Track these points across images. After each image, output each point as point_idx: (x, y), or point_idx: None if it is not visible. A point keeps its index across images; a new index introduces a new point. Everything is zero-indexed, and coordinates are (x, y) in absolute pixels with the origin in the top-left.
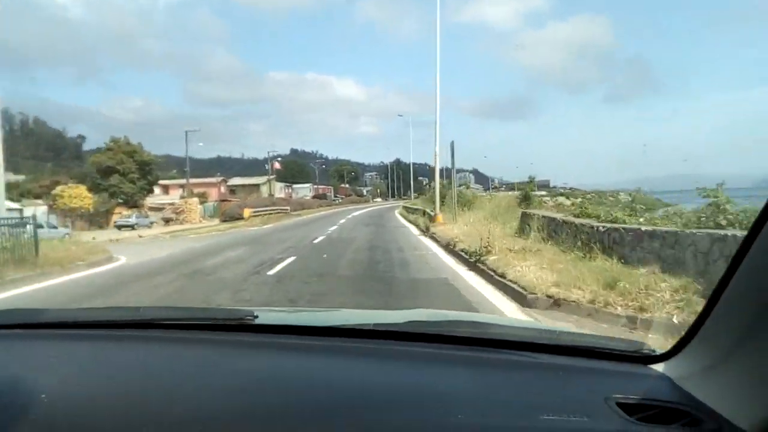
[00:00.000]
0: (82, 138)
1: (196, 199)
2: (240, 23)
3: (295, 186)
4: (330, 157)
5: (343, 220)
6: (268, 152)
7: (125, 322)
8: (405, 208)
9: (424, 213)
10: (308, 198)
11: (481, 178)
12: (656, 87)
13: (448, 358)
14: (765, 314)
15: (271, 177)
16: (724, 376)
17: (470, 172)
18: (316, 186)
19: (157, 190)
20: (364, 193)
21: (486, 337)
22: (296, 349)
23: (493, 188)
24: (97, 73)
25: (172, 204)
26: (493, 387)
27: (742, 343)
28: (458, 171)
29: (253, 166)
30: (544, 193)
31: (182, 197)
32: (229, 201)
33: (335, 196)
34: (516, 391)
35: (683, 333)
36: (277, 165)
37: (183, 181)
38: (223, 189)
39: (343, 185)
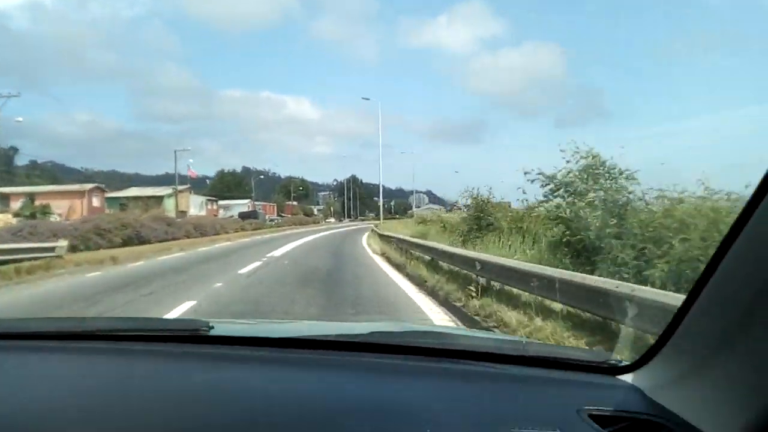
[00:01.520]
0: (15, 150)
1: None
2: (193, 39)
3: (230, 202)
4: (282, 176)
5: (219, 284)
6: (188, 163)
7: (71, 333)
8: (381, 237)
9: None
10: (230, 217)
11: (436, 199)
12: (605, 114)
13: (414, 369)
14: (737, 323)
15: (183, 188)
16: (697, 386)
17: (425, 193)
18: (254, 202)
19: None
20: (315, 212)
21: (452, 348)
22: (254, 361)
23: (455, 208)
24: (42, 85)
25: None
26: (462, 399)
27: (714, 352)
28: (412, 192)
29: (201, 183)
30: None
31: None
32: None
33: (279, 215)
34: (485, 404)
35: (652, 342)
36: (192, 173)
37: (31, 188)
38: (97, 201)
39: (289, 203)
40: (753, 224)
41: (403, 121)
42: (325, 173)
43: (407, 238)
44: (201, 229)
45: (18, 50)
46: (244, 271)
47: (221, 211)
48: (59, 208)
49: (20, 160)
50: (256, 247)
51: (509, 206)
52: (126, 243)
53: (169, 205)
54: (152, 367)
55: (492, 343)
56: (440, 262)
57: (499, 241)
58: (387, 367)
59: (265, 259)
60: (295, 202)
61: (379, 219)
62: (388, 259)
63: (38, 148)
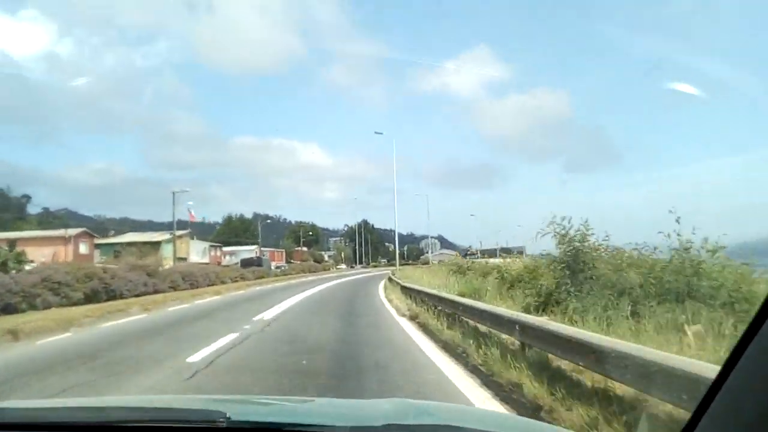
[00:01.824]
0: (27, 198)
1: None
2: (205, 87)
3: (236, 248)
4: (293, 221)
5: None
6: (188, 206)
7: (87, 425)
8: (403, 290)
9: None
10: (235, 264)
11: (447, 244)
12: (614, 157)
13: None
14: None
15: (183, 233)
16: None
17: (436, 238)
18: (261, 249)
19: None
20: (326, 258)
21: None
22: None
23: (470, 254)
24: (56, 134)
25: None
26: None
27: (759, 427)
28: (424, 237)
29: (210, 229)
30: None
31: None
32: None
33: (288, 261)
34: None
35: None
36: (193, 216)
37: (14, 234)
38: (85, 247)
39: (298, 248)
40: None
41: (413, 166)
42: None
43: (456, 298)
44: (191, 279)
45: (34, 100)
46: (198, 356)
47: (226, 258)
48: (44, 256)
49: (34, 209)
50: (246, 305)
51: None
52: (90, 298)
53: (167, 251)
54: None
55: None
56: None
57: (615, 306)
58: None
59: (247, 327)
60: (304, 248)
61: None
62: (426, 330)
63: (52, 196)
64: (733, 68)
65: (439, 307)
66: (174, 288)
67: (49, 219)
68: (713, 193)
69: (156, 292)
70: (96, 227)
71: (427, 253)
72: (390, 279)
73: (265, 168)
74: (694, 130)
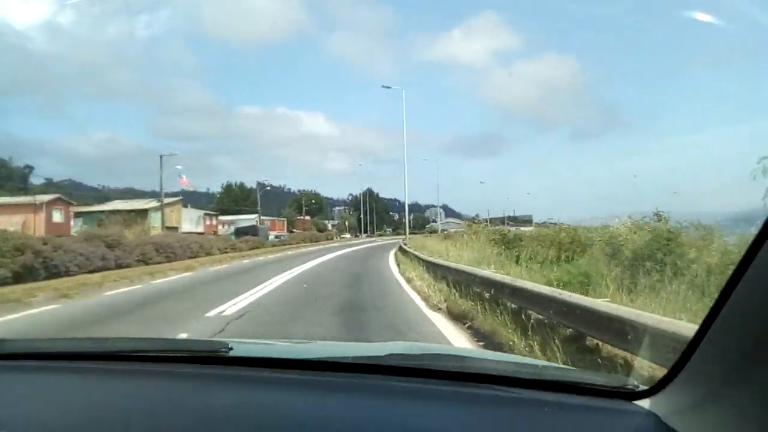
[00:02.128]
0: (30, 168)
1: None
2: (211, 57)
3: (235, 217)
4: (296, 191)
5: None
6: (178, 171)
7: (92, 354)
8: (426, 266)
9: None
10: (224, 234)
11: (452, 213)
12: (623, 125)
13: (432, 393)
14: (750, 352)
15: (173, 200)
16: (712, 414)
17: (440, 207)
18: (261, 217)
19: None
20: (329, 227)
21: (469, 372)
22: (273, 383)
23: (476, 222)
24: (61, 104)
25: None
26: (480, 423)
27: (731, 379)
28: (429, 207)
29: (210, 197)
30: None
31: None
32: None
33: (290, 231)
34: (503, 428)
35: (669, 367)
36: (184, 182)
37: None
38: (60, 216)
39: (301, 217)
40: (764, 254)
41: (419, 136)
42: (340, 189)
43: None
44: (168, 251)
45: (36, 70)
46: None
47: (223, 228)
48: (13, 224)
49: (37, 180)
50: (213, 287)
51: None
52: (21, 277)
53: (156, 220)
54: (172, 388)
55: (510, 367)
56: None
57: None
58: (405, 391)
59: (184, 336)
60: (307, 217)
61: (398, 234)
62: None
63: (56, 166)
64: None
65: (529, 312)
66: (145, 262)
67: (52, 190)
68: (720, 161)
69: (119, 267)
70: (99, 198)
71: (433, 221)
72: (403, 250)
73: (270, 138)
74: (698, 96)
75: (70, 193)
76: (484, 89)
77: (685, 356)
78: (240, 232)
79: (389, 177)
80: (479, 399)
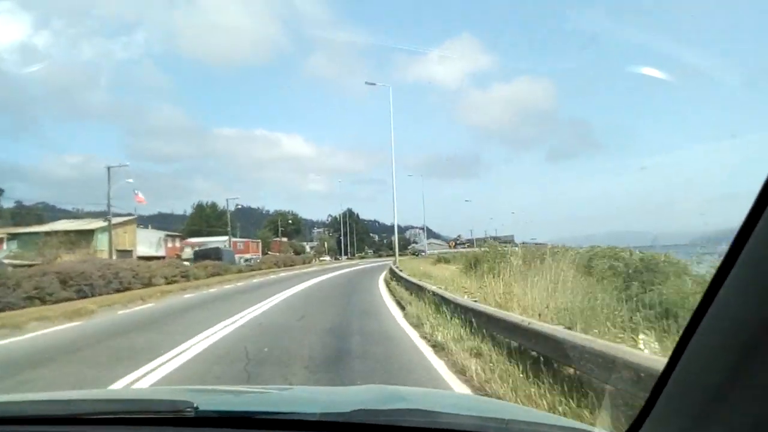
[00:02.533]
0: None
1: None
2: (186, 78)
3: (205, 239)
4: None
5: None
6: (131, 185)
7: (55, 417)
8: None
9: None
10: (188, 256)
11: (432, 234)
12: (598, 145)
13: None
14: (718, 394)
15: (124, 219)
16: None
17: (420, 228)
18: (232, 239)
19: None
20: (307, 249)
21: (437, 428)
22: None
23: (459, 243)
24: (33, 126)
25: None
26: None
27: (701, 420)
28: (409, 228)
29: (182, 219)
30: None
31: None
32: None
33: (265, 253)
34: None
35: (635, 414)
36: (140, 199)
37: None
38: None
39: (277, 239)
40: (732, 279)
41: (397, 157)
42: (319, 211)
43: None
44: (80, 283)
45: (7, 91)
46: None
47: (188, 250)
48: None
49: (7, 203)
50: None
51: None
52: None
53: (103, 242)
54: None
55: (476, 421)
56: None
57: None
58: None
59: None
60: (284, 239)
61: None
62: None
63: (29, 190)
64: (711, 56)
65: None
66: (42, 299)
67: (22, 213)
68: (694, 180)
69: None
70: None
71: (414, 243)
72: (396, 276)
73: (249, 160)
74: (674, 116)
75: (41, 217)
76: (461, 110)
77: (651, 400)
78: (199, 256)
79: (368, 198)
80: None
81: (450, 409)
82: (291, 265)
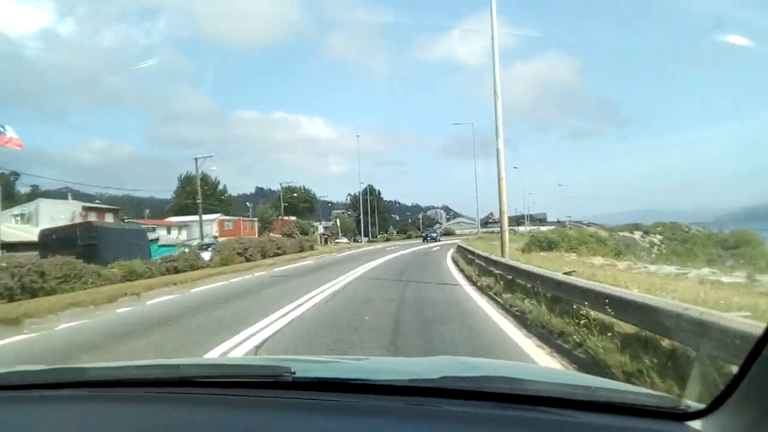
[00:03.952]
0: (16, 175)
1: None
2: (208, 62)
3: (188, 218)
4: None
5: None
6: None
7: (162, 381)
8: None
9: None
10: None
11: (452, 214)
12: (622, 123)
13: (483, 417)
14: None
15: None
16: None
17: (441, 208)
18: (225, 218)
19: None
20: (320, 229)
21: (520, 393)
22: (333, 409)
23: (491, 222)
24: (57, 113)
25: None
26: None
27: None
28: (430, 208)
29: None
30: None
31: None
32: None
33: (266, 233)
34: None
35: (722, 387)
36: (9, 140)
37: None
38: None
39: (280, 217)
40: None
41: (418, 138)
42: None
43: None
44: None
45: (32, 79)
46: None
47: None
48: None
49: (25, 188)
50: None
51: None
52: None
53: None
54: (241, 415)
55: (560, 388)
56: None
57: None
58: (459, 416)
59: None
60: (293, 217)
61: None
62: None
63: (55, 174)
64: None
65: None
66: None
67: (40, 197)
68: (719, 159)
69: None
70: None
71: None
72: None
73: (269, 143)
74: (698, 95)
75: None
76: (482, 89)
77: (740, 374)
78: (53, 240)
79: (389, 180)
80: (532, 423)
81: (532, 377)
82: (275, 255)
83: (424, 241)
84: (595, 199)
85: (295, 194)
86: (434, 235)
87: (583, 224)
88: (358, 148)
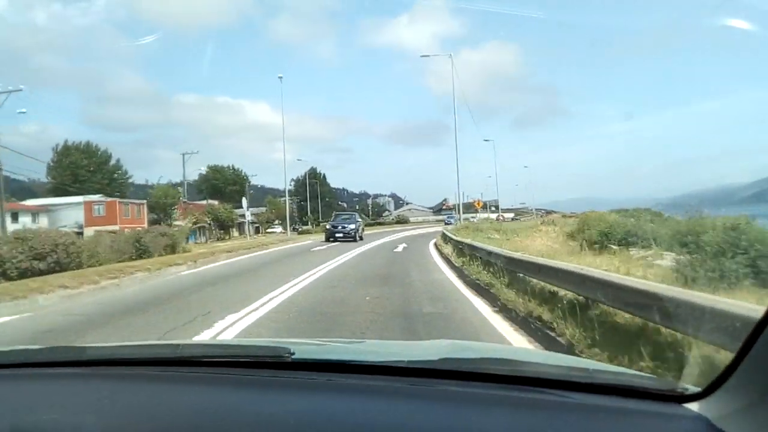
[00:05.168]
0: None
1: None
2: (148, 43)
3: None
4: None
5: None
6: None
7: (162, 360)
8: None
9: None
10: None
11: (400, 203)
12: (564, 113)
13: (484, 397)
14: None
15: None
16: (766, 417)
17: (389, 196)
18: (92, 200)
19: None
20: (248, 216)
21: (520, 375)
22: (333, 389)
23: (445, 209)
24: None
25: None
26: (530, 429)
27: None
28: (377, 196)
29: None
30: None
31: None
32: None
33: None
34: None
35: (721, 369)
36: None
37: None
38: None
39: (187, 202)
40: None
41: (364, 124)
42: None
43: None
44: None
45: None
46: None
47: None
48: None
49: None
50: None
51: None
52: None
53: None
54: (240, 394)
55: (559, 370)
56: None
57: None
58: (458, 395)
59: None
60: (214, 201)
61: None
62: None
63: None
64: None
65: None
66: None
67: None
68: (651, 147)
69: None
70: (23, 191)
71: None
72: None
73: (212, 128)
74: (639, 84)
75: None
76: (429, 77)
77: (739, 355)
78: None
79: (336, 166)
80: (531, 403)
81: (530, 359)
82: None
83: (326, 240)
84: (537, 187)
85: (221, 175)
86: (348, 228)
87: (544, 211)
88: (282, 117)
